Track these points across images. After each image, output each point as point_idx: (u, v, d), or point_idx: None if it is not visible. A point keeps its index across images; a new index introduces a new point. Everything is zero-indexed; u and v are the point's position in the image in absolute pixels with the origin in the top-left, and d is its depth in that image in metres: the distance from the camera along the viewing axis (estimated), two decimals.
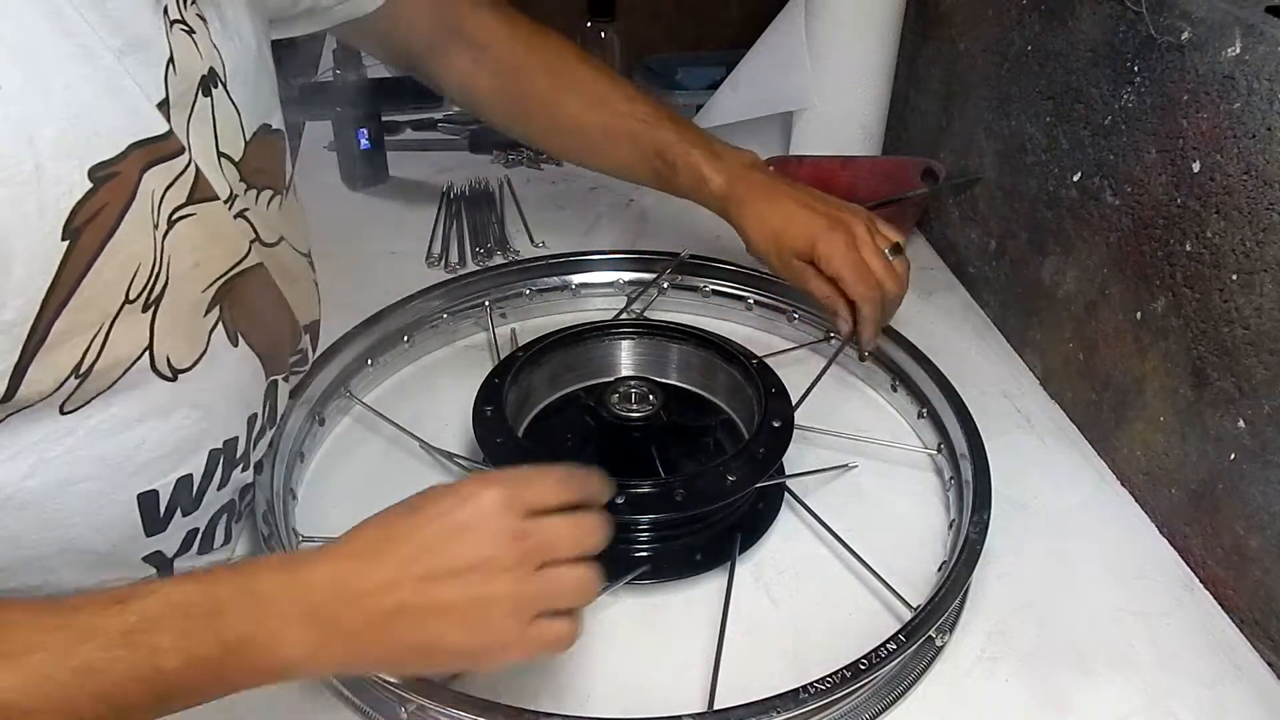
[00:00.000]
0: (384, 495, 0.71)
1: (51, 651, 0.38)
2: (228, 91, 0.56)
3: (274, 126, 0.62)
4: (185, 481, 0.57)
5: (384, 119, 1.13)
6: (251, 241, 0.59)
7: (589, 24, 1.13)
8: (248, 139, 0.58)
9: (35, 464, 0.49)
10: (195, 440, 0.56)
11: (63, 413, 0.48)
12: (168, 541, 0.58)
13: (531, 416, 0.76)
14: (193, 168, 0.52)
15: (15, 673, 0.37)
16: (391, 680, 0.51)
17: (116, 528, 0.55)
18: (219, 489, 0.60)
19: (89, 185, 0.44)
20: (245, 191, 0.58)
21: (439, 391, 0.82)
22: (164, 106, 0.50)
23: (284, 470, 0.66)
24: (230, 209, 0.56)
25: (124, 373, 0.50)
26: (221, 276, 0.56)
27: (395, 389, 0.83)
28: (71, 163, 0.43)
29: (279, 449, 0.66)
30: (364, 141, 1.11)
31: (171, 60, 0.50)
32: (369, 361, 0.80)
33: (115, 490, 0.53)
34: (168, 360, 0.52)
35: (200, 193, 0.53)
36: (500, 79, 0.79)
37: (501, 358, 0.77)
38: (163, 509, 0.56)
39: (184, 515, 0.58)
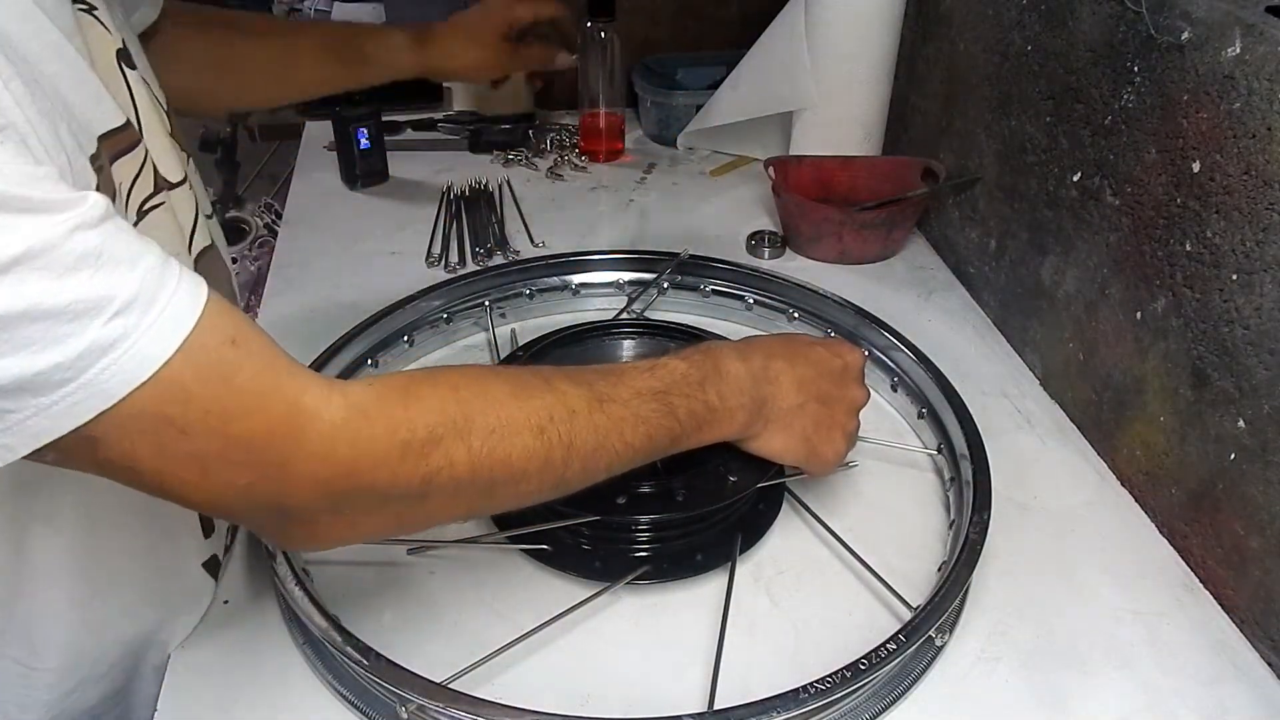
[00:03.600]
0: None
1: (619, 401, 0.53)
2: (136, 66, 0.54)
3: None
4: None
5: (384, 119, 1.13)
6: (208, 218, 0.59)
7: (589, 24, 1.13)
8: (166, 109, 0.57)
9: None
10: None
11: None
12: (219, 541, 0.61)
13: None
14: (149, 157, 0.51)
15: (603, 415, 0.52)
16: (391, 679, 0.51)
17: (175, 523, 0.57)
18: None
19: (94, 178, 0.43)
20: (187, 161, 0.58)
21: None
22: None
23: None
24: (190, 188, 0.56)
25: None
26: (196, 262, 0.56)
27: None
28: (80, 157, 0.42)
29: None
30: (364, 141, 1.11)
31: (87, 47, 0.49)
32: (369, 361, 0.80)
33: None
34: None
35: (162, 179, 0.53)
36: (193, 55, 0.79)
37: (502, 357, 0.77)
38: None
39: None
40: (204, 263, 0.58)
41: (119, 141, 0.48)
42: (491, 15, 0.92)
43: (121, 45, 0.53)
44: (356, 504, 0.45)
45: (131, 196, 0.49)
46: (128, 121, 0.49)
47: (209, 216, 0.60)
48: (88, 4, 0.50)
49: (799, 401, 0.62)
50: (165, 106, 0.57)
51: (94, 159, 0.44)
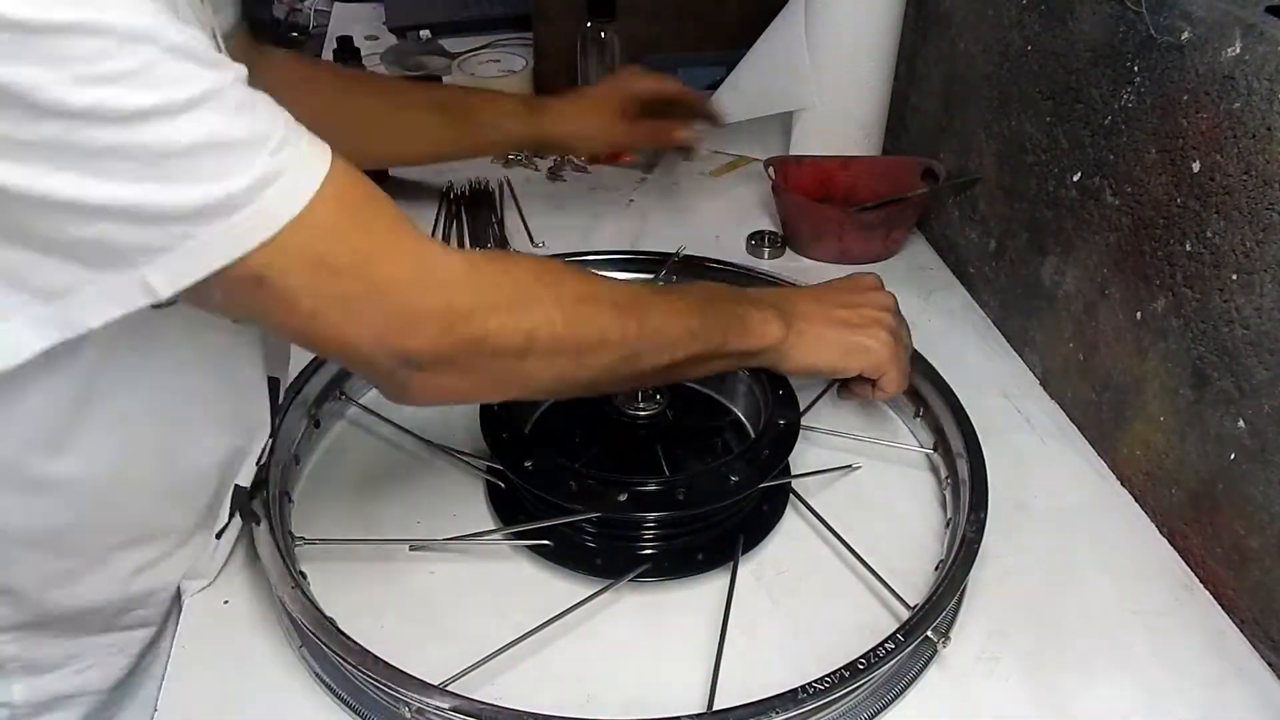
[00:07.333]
0: (381, 497, 0.71)
1: (668, 293, 0.61)
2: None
3: None
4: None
5: None
6: None
7: (589, 24, 1.13)
8: None
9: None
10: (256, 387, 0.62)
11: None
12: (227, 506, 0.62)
13: (539, 413, 0.76)
14: None
15: (661, 300, 0.60)
16: (389, 682, 0.51)
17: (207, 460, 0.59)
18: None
19: None
20: None
21: None
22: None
23: (279, 474, 0.66)
24: None
25: None
26: None
27: None
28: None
29: (274, 452, 0.66)
30: None
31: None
32: None
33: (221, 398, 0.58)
34: None
35: None
36: (293, 97, 0.83)
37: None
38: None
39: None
40: None
41: None
42: (612, 88, 0.93)
43: (213, 33, 0.56)
44: (469, 355, 0.50)
45: None
46: None
47: None
48: None
49: (821, 309, 0.67)
50: None
51: None
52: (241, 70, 0.42)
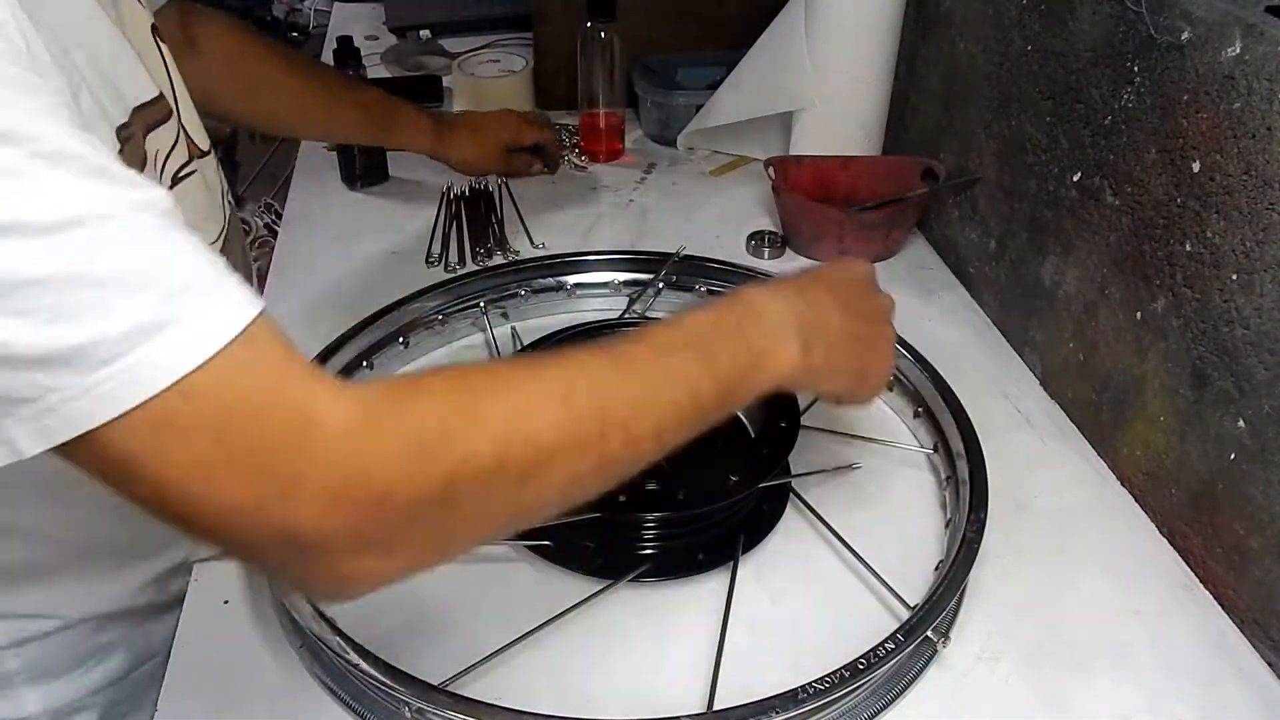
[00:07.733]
0: None
1: (644, 360, 0.47)
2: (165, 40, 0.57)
3: None
4: None
5: None
6: (224, 195, 0.61)
7: (589, 24, 1.13)
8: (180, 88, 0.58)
9: None
10: None
11: None
12: None
13: None
14: (183, 127, 0.54)
15: (633, 374, 0.46)
16: (389, 683, 0.51)
17: None
18: None
19: (119, 146, 0.44)
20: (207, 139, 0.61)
21: None
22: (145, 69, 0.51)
23: None
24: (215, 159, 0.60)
25: None
26: (220, 233, 0.58)
27: None
28: (103, 125, 0.43)
29: None
30: None
31: (121, 19, 0.50)
32: (364, 364, 0.80)
33: None
34: None
35: (195, 147, 0.55)
36: (232, 68, 0.86)
37: (502, 357, 0.76)
38: None
39: None
40: (232, 227, 0.61)
41: (154, 113, 0.50)
42: (501, 130, 1.11)
43: (153, 20, 0.55)
44: (380, 526, 0.39)
45: (166, 166, 0.51)
46: (161, 94, 0.51)
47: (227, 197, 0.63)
48: None
49: (847, 323, 0.57)
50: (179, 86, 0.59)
51: (123, 128, 0.45)
52: (154, 195, 0.35)
